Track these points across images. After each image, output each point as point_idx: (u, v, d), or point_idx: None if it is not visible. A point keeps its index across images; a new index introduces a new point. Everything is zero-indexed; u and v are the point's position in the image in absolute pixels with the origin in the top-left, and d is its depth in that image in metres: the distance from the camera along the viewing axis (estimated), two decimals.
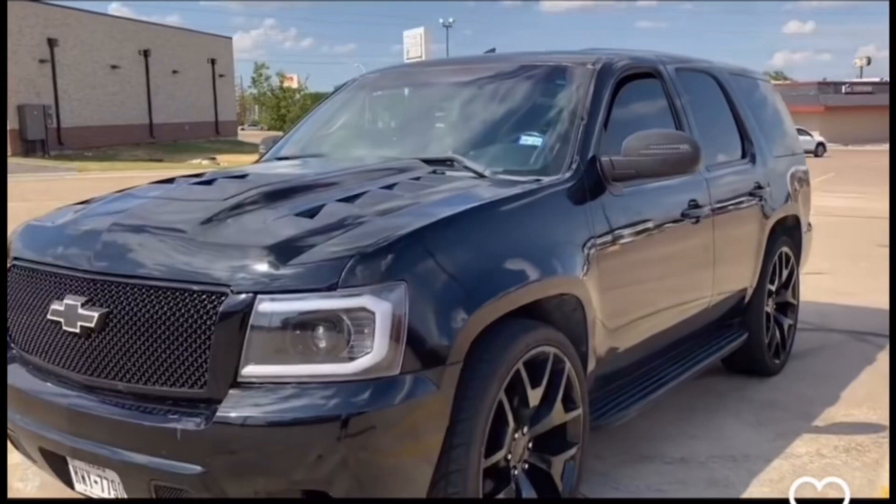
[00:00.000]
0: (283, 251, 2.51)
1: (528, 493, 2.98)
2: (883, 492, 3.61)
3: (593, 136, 3.49)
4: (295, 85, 54.06)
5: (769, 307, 5.17)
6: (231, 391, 2.45)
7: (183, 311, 2.50)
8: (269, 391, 2.43)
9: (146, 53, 41.60)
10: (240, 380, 2.45)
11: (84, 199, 3.46)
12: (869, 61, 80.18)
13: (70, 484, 2.82)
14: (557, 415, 3.07)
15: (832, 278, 8.51)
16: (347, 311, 2.42)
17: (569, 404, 3.13)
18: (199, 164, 29.72)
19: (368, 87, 4.61)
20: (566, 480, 3.14)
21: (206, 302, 2.48)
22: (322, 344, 2.44)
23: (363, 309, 2.42)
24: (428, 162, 3.50)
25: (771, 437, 4.24)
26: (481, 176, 3.37)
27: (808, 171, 5.95)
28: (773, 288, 5.21)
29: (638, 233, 3.60)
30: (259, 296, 2.43)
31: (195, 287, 2.50)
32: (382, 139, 4.15)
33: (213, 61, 48.45)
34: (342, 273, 2.42)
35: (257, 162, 4.40)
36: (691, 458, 3.96)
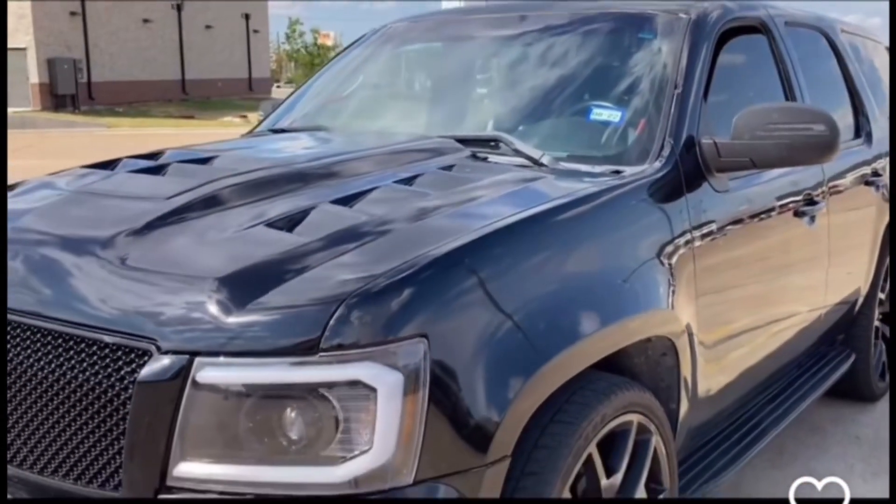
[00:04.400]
0: (240, 286, 1.64)
1: None
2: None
3: (689, 110, 2.55)
4: (330, 42, 53.08)
5: (877, 319, 4.23)
6: (159, 499, 1.60)
7: (90, 373, 1.64)
8: None
9: (179, 7, 40.74)
10: (169, 483, 1.59)
11: (14, 182, 2.62)
12: None
13: None
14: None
15: None
16: (334, 385, 1.55)
17: (655, 486, 2.24)
18: (231, 122, 29.08)
19: (394, 40, 3.61)
20: None
21: (120, 362, 1.62)
22: (294, 435, 1.57)
23: (359, 383, 1.55)
24: (465, 142, 2.58)
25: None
26: (537, 163, 2.46)
27: None
28: (882, 296, 4.26)
29: (746, 242, 2.69)
30: (199, 358, 1.57)
31: (107, 338, 1.64)
32: (408, 110, 3.21)
33: (247, 16, 47.43)
34: (327, 326, 1.55)
35: (250, 133, 3.48)
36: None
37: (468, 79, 3.23)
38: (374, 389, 1.55)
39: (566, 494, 1.86)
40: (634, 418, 2.10)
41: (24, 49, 32.58)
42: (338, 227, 1.86)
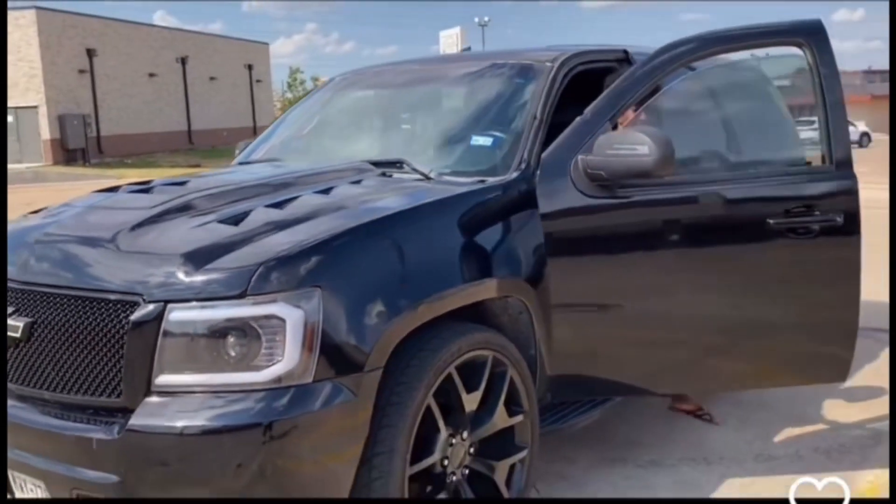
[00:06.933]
0: (196, 258, 2.50)
1: (469, 498, 2.93)
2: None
3: (542, 134, 3.37)
4: None
5: None
6: (146, 400, 2.44)
7: (99, 320, 2.50)
8: (183, 400, 2.42)
9: (183, 61, 42.23)
10: (154, 389, 2.44)
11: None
12: None
13: (13, 491, 2.84)
14: (500, 419, 3.01)
15: None
16: (257, 318, 2.40)
17: (514, 408, 3.07)
18: None
19: (340, 88, 4.59)
20: (514, 485, 3.08)
21: (119, 311, 2.48)
22: (233, 353, 2.42)
23: (274, 317, 2.40)
24: (378, 164, 3.46)
25: (751, 438, 4.12)
26: (427, 178, 3.32)
27: None
28: None
29: (609, 232, 3.35)
30: (170, 304, 2.42)
31: (111, 296, 2.51)
32: (344, 142, 4.11)
33: (250, 67, 49.02)
34: (251, 280, 2.41)
35: (224, 167, 4.41)
36: (663, 461, 3.86)
37: (390, 117, 4.19)
38: (283, 321, 2.40)
39: (430, 400, 2.69)
40: (489, 354, 2.93)
41: (35, 107, 33.89)
42: (267, 221, 2.74)
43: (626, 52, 3.94)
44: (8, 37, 32.55)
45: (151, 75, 39.87)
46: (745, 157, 3.79)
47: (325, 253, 2.55)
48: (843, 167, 3.36)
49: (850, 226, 3.33)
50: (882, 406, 4.52)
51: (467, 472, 2.95)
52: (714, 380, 3.66)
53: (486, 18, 65.71)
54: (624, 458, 3.91)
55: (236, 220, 2.76)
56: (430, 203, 2.98)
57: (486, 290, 2.98)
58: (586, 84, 3.63)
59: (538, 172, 3.23)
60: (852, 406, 4.55)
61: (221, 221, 2.75)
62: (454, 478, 2.88)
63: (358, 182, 3.21)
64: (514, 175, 3.25)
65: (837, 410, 4.49)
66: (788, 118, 3.78)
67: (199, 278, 2.45)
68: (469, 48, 5.71)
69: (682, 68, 3.47)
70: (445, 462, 2.83)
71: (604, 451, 3.97)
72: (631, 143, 3.08)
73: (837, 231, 3.32)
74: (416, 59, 4.56)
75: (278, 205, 2.90)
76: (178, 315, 2.42)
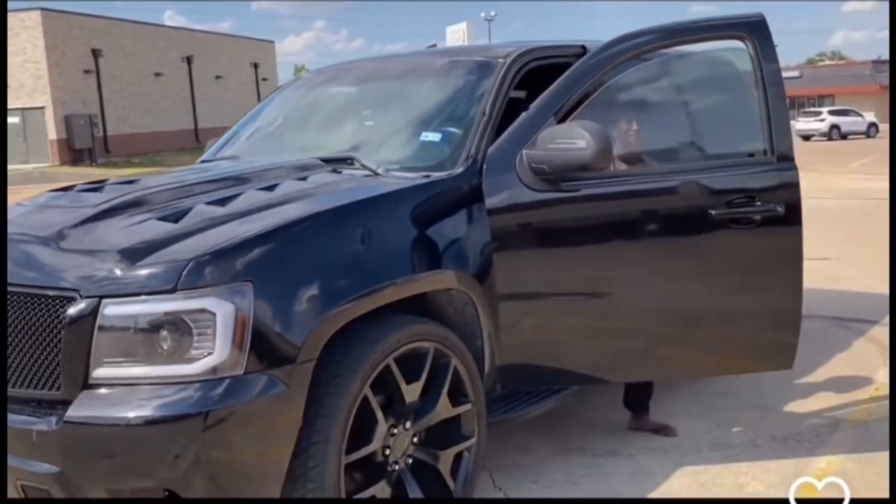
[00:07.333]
0: (131, 255, 2.57)
1: (413, 488, 2.99)
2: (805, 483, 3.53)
3: (490, 129, 3.41)
4: None
5: None
6: (83, 392, 2.51)
7: (39, 316, 2.58)
8: (118, 392, 2.49)
9: (189, 60, 42.40)
10: (91, 381, 2.51)
11: None
12: None
13: None
14: (444, 409, 3.07)
15: (837, 263, 8.29)
16: (188, 312, 2.47)
17: (459, 398, 3.13)
18: None
19: (303, 86, 4.66)
20: (460, 474, 3.14)
21: (58, 307, 2.55)
22: (166, 345, 2.48)
23: (204, 310, 2.47)
24: (328, 161, 3.52)
25: (711, 427, 4.17)
26: (375, 173, 3.38)
27: None
28: None
29: (555, 225, 3.39)
30: (104, 300, 2.49)
31: (49, 293, 2.58)
32: (303, 139, 4.16)
33: (255, 65, 49.14)
34: (182, 275, 2.47)
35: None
36: (621, 451, 3.91)
37: (347, 114, 4.25)
38: (214, 314, 2.46)
39: (367, 391, 2.75)
40: (430, 345, 2.99)
41: (42, 108, 34.15)
42: (205, 218, 2.80)
43: (583, 47, 3.97)
44: (15, 38, 32.86)
45: (157, 75, 40.06)
46: (689, 149, 3.84)
47: (258, 248, 2.61)
48: (785, 159, 3.40)
49: (792, 216, 3.37)
50: (845, 394, 4.57)
51: (411, 461, 3.01)
52: (665, 368, 3.70)
53: (493, 14, 65.91)
54: (583, 447, 3.96)
55: (176, 217, 2.82)
56: (367, 199, 3.04)
57: (425, 283, 3.04)
58: (547, 80, 3.65)
59: (484, 167, 3.28)
60: (816, 395, 4.61)
61: (161, 218, 2.82)
62: (397, 467, 2.94)
63: (304, 178, 3.26)
64: (460, 170, 3.30)
65: (800, 399, 4.54)
66: (736, 110, 3.81)
67: (132, 273, 2.52)
68: (435, 45, 5.72)
69: (628, 62, 3.51)
70: (387, 451, 2.90)
71: (564, 441, 4.03)
72: (570, 137, 3.14)
73: (779, 221, 3.36)
74: (382, 56, 4.64)
75: (219, 201, 2.96)
76: (111, 310, 2.48)
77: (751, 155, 3.55)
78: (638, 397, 4.08)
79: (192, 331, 2.47)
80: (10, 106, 33.71)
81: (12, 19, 33.03)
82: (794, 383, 4.74)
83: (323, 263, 2.73)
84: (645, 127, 3.70)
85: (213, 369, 2.46)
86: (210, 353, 2.46)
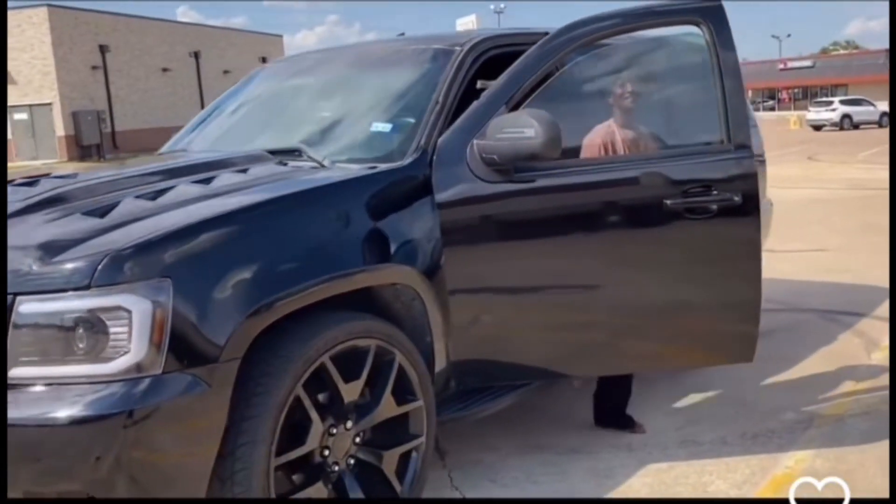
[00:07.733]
0: (47, 251, 2.47)
1: (353, 488, 2.90)
2: (773, 480, 3.42)
3: (443, 119, 3.30)
4: None
5: None
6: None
7: None
8: (35, 393, 2.40)
9: (196, 55, 42.44)
10: (9, 382, 2.42)
11: None
12: None
13: None
14: (388, 408, 2.97)
15: (834, 255, 8.15)
16: (103, 310, 2.37)
17: (406, 396, 3.03)
18: None
19: (262, 78, 4.56)
20: (408, 474, 3.05)
21: None
22: (82, 344, 2.39)
23: (119, 308, 2.37)
24: (275, 153, 3.41)
25: (681, 424, 4.06)
26: (321, 164, 3.27)
27: None
28: None
29: (507, 217, 3.28)
30: (18, 297, 2.40)
31: None
32: (255, 130, 4.06)
33: (263, 59, 49.09)
34: (96, 271, 2.37)
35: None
36: (584, 448, 3.80)
37: (301, 105, 4.13)
38: (130, 312, 2.37)
39: (299, 390, 2.65)
40: (372, 342, 2.89)
41: (49, 104, 34.27)
42: (130, 213, 2.70)
43: (548, 34, 3.86)
44: (22, 35, 32.97)
45: (165, 70, 40.14)
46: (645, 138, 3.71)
47: (178, 243, 2.51)
48: (742, 148, 3.28)
49: (749, 206, 3.25)
50: (823, 389, 4.44)
51: (353, 461, 2.92)
52: (623, 361, 3.59)
53: (503, 6, 65.92)
54: (547, 444, 3.86)
55: (102, 211, 2.72)
56: (300, 191, 2.94)
57: (364, 278, 2.94)
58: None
59: (434, 158, 3.18)
60: (794, 390, 4.48)
61: (87, 213, 2.72)
62: (337, 468, 2.85)
63: (244, 171, 3.17)
64: (409, 161, 3.19)
65: (777, 394, 4.41)
66: (693, 98, 3.68)
67: (47, 270, 2.42)
68: (403, 34, 5.63)
69: (583, 48, 3.39)
70: (326, 452, 2.80)
71: (529, 438, 3.92)
72: (519, 126, 3.02)
73: (736, 211, 3.24)
74: (342, 46, 4.54)
75: (148, 195, 2.86)
76: (26, 307, 2.39)
77: (707, 144, 3.43)
78: (612, 396, 3.97)
79: (107, 329, 2.37)
80: (18, 102, 33.92)
81: (19, 15, 33.17)
82: (773, 378, 4.63)
83: (249, 259, 2.62)
84: (601, 115, 3.58)
85: (130, 368, 2.37)
86: (127, 353, 2.37)
